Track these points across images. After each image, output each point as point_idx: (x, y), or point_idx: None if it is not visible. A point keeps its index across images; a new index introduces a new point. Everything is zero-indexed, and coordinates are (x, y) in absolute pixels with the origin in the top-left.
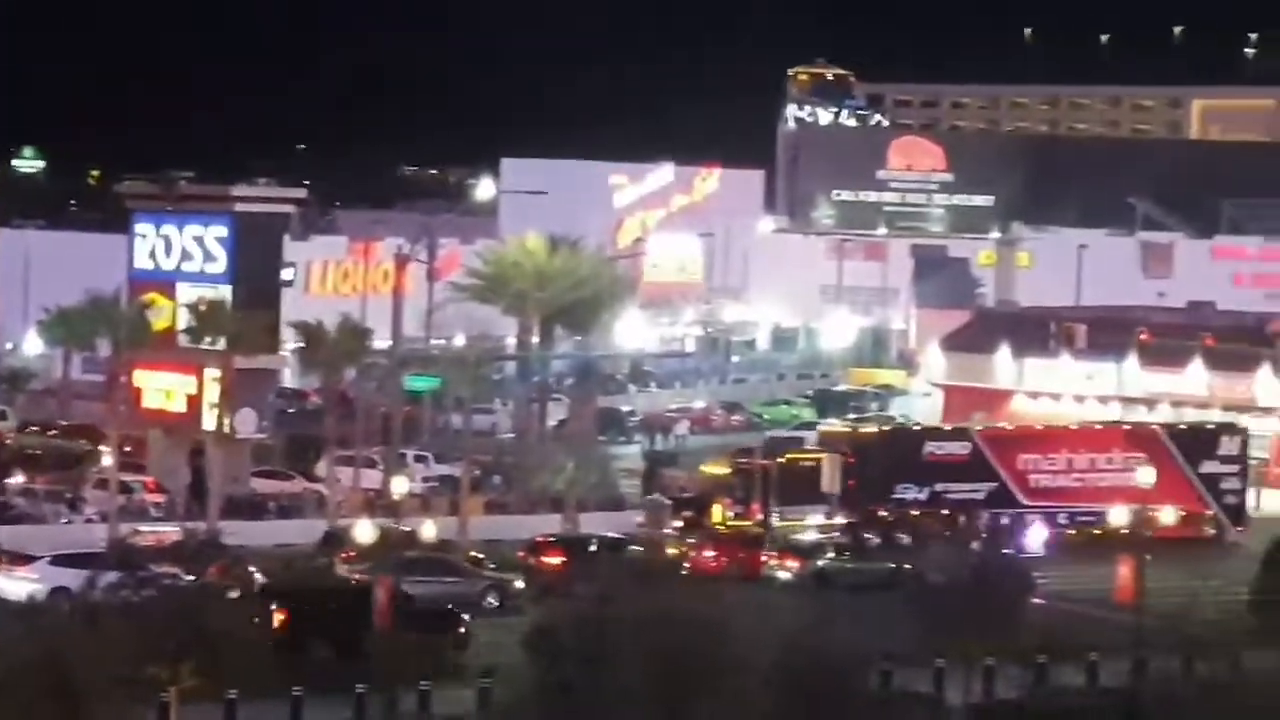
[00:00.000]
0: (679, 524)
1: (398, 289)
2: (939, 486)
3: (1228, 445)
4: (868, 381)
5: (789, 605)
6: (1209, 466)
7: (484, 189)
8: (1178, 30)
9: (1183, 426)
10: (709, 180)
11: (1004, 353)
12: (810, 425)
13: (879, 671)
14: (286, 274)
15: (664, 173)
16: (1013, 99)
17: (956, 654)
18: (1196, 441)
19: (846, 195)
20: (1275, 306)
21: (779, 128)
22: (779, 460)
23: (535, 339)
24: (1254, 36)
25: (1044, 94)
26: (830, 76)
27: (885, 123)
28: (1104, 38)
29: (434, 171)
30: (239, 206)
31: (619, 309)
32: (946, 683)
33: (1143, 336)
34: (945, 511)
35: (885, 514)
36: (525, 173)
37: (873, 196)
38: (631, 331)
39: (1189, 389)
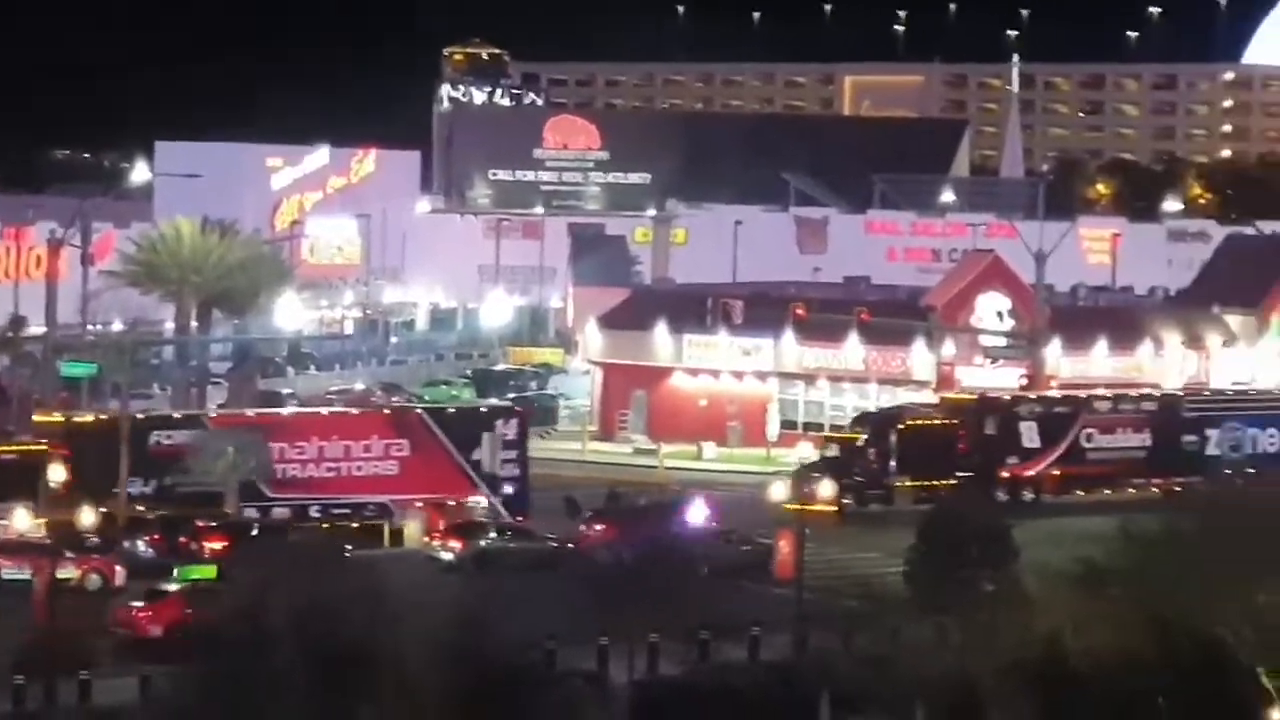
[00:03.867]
0: None
1: (51, 274)
2: (168, 479)
3: (503, 429)
4: (526, 360)
5: (452, 586)
6: (482, 452)
7: (138, 173)
8: (828, 7)
9: (451, 410)
10: (365, 162)
11: (662, 330)
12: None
13: (542, 651)
14: None
15: (320, 155)
16: (667, 76)
17: (620, 632)
18: (467, 425)
19: (503, 175)
20: (928, 280)
21: (435, 108)
22: None
23: (193, 323)
24: (903, 14)
25: (698, 71)
26: (485, 56)
27: (540, 102)
28: (756, 15)
29: (87, 155)
30: None
31: (277, 292)
32: (610, 661)
33: (799, 311)
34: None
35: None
36: (180, 156)
37: (529, 176)
38: (290, 314)
39: (845, 363)
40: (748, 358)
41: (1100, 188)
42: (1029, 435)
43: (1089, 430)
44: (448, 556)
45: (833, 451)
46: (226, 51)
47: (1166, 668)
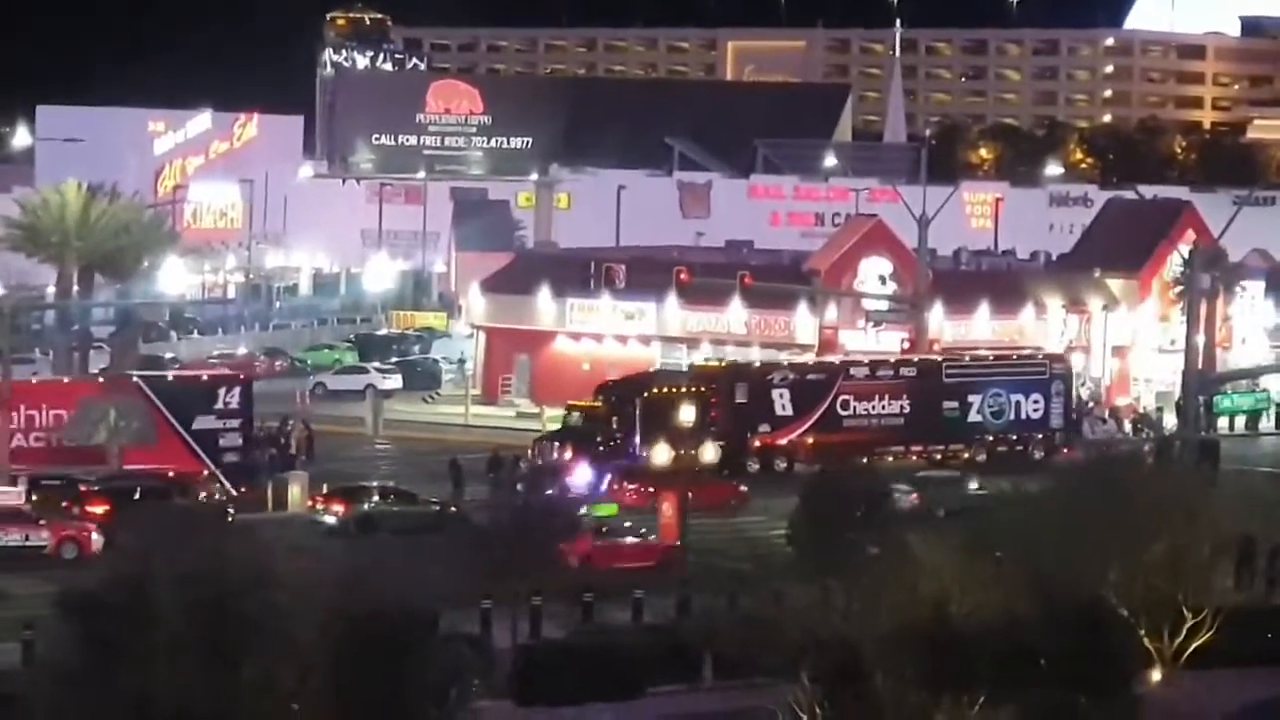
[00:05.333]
0: None
1: None
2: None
3: (226, 398)
4: (409, 325)
5: (336, 550)
6: (205, 422)
7: (20, 137)
8: None
9: (170, 378)
10: (248, 127)
11: (545, 294)
12: (353, 369)
13: (426, 613)
14: None
15: (202, 120)
16: (549, 42)
17: (503, 594)
18: (187, 395)
19: (386, 140)
20: (811, 245)
21: (317, 73)
22: None
23: (75, 288)
24: None
25: (581, 36)
26: (368, 21)
27: (423, 67)
28: None
29: None
30: None
31: (159, 256)
32: (494, 623)
33: (682, 276)
34: None
35: None
36: (61, 120)
37: (412, 141)
38: (173, 279)
39: (728, 327)
40: (631, 322)
41: (983, 152)
42: (782, 403)
43: (845, 397)
44: (330, 520)
45: (575, 419)
46: (109, 14)
47: (1048, 629)
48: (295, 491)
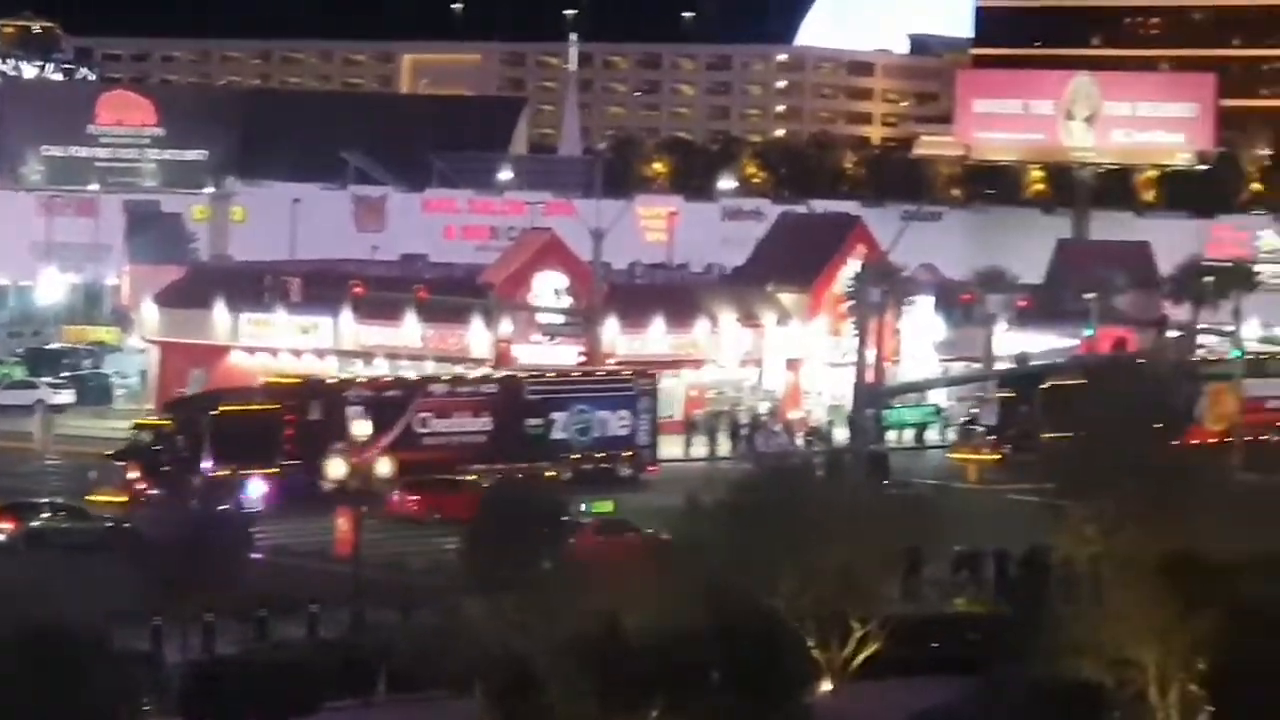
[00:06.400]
0: None
1: None
2: None
3: None
4: (81, 339)
5: (4, 568)
6: None
7: None
8: None
9: None
10: None
11: (219, 308)
12: (22, 384)
13: (96, 631)
14: None
15: None
16: (224, 53)
17: (174, 611)
18: None
19: (56, 151)
20: (486, 258)
21: None
22: None
23: None
24: None
25: (255, 48)
26: (37, 29)
27: (94, 77)
28: None
29: None
30: None
31: None
32: (165, 640)
33: (356, 290)
34: None
35: None
36: None
37: (83, 152)
38: None
39: (404, 341)
40: (306, 336)
41: (657, 166)
42: (358, 422)
43: (424, 415)
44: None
45: (147, 437)
46: None
47: (720, 641)
48: None
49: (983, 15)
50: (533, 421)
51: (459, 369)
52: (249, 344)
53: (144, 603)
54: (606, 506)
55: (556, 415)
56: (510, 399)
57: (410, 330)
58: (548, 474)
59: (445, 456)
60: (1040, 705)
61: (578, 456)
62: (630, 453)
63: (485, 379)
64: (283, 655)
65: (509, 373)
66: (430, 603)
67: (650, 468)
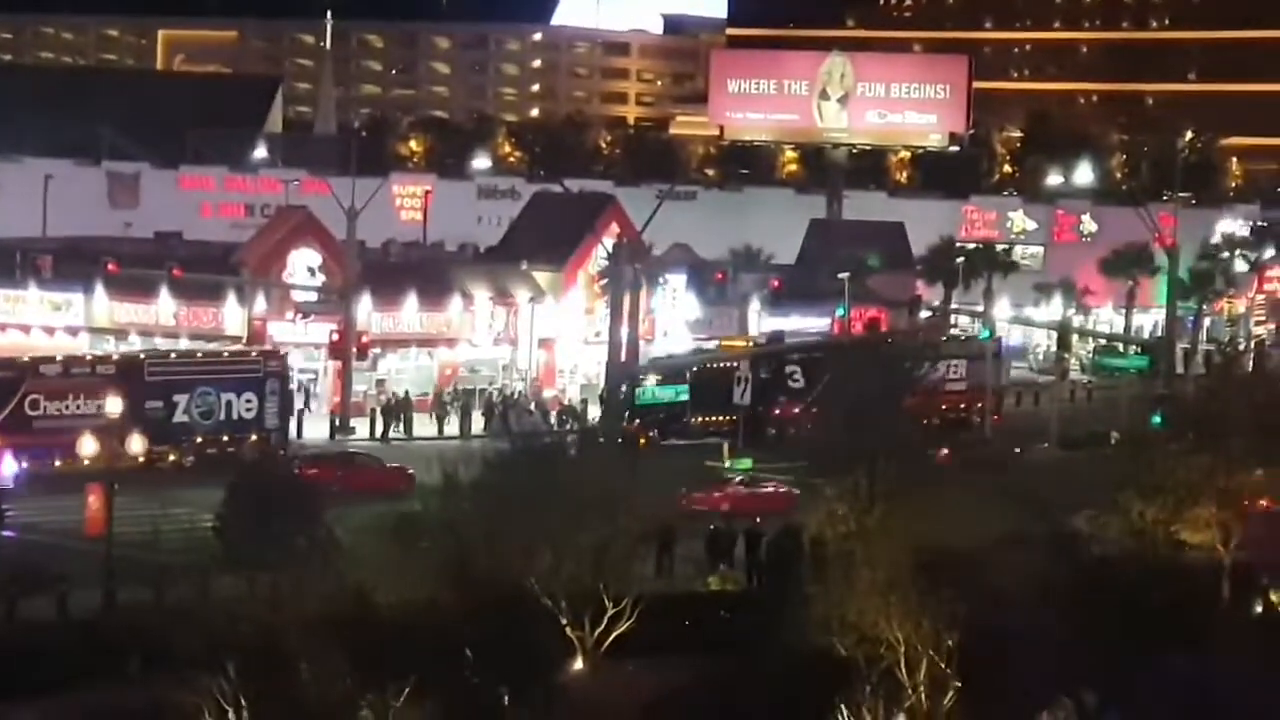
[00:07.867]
0: None
1: None
2: None
3: None
4: None
5: None
6: None
7: None
8: None
9: None
10: None
11: None
12: None
13: None
14: None
15: None
16: None
17: None
18: None
19: None
20: (241, 236)
21: None
22: None
23: None
24: None
25: (6, 23)
26: None
27: None
28: None
29: None
30: None
31: None
32: None
33: (110, 267)
34: None
35: None
36: None
37: None
38: None
39: (158, 318)
40: (59, 313)
41: (413, 145)
42: None
43: (35, 397)
44: None
45: None
46: None
47: (473, 619)
48: None
49: None
50: (152, 404)
51: (211, 346)
52: None
53: None
54: (746, 465)
55: (178, 398)
56: (129, 381)
57: (164, 308)
58: (170, 458)
59: (60, 440)
60: (791, 681)
61: (200, 440)
62: (257, 436)
63: (102, 360)
64: (31, 636)
65: (128, 354)
66: (183, 580)
67: (281, 452)
